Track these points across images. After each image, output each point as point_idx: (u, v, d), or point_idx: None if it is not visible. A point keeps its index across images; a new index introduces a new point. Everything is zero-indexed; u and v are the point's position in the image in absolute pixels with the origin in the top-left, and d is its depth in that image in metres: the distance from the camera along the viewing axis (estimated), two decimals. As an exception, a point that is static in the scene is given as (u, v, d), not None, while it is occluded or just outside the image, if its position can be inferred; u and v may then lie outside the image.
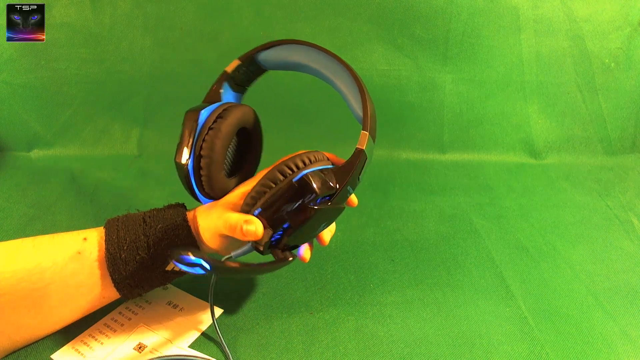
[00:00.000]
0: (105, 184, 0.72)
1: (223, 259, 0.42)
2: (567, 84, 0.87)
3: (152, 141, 0.83)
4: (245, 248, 0.41)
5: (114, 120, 0.83)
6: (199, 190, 0.43)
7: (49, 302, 0.39)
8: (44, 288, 0.38)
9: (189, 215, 0.43)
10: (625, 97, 0.88)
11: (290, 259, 0.40)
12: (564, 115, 0.88)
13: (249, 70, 0.49)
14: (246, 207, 0.40)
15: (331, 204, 0.39)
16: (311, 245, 0.44)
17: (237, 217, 0.39)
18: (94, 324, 0.45)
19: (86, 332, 0.44)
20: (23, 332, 0.41)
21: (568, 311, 0.50)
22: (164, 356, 0.41)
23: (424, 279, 0.54)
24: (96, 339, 0.43)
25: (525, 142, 0.88)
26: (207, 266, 0.33)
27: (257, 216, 0.39)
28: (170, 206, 0.44)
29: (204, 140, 0.42)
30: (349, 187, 0.40)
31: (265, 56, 0.47)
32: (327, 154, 0.43)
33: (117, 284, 0.40)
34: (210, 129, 0.42)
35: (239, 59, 0.48)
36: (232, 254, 0.41)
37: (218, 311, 0.48)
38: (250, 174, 0.48)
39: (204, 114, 0.43)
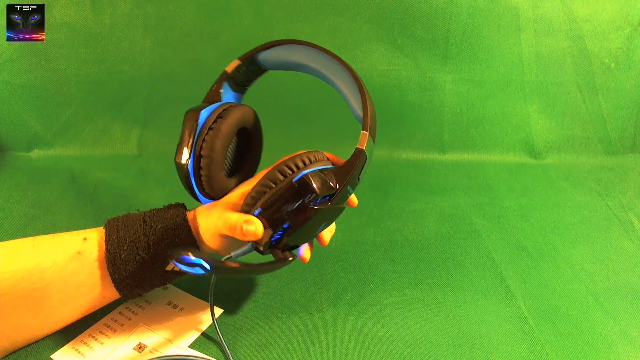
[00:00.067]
0: (105, 184, 0.72)
1: (223, 259, 0.42)
2: (567, 84, 0.86)
3: (152, 141, 0.83)
4: (245, 248, 0.41)
5: (114, 120, 0.83)
6: (199, 190, 0.43)
7: (49, 302, 0.39)
8: (44, 288, 0.38)
9: (189, 215, 0.43)
10: (625, 97, 0.88)
11: (290, 259, 0.40)
12: (564, 115, 0.88)
13: (249, 70, 0.49)
14: (246, 207, 0.40)
15: (331, 204, 0.39)
16: (311, 245, 0.44)
17: (237, 217, 0.39)
18: (94, 324, 0.45)
19: (86, 332, 0.44)
20: (23, 332, 0.41)
21: (568, 311, 0.50)
22: (164, 356, 0.41)
23: (424, 279, 0.54)
24: (96, 339, 0.43)
25: (525, 142, 0.88)
26: (207, 266, 0.33)
27: (257, 216, 0.39)
28: (170, 206, 0.44)
29: (204, 140, 0.42)
30: (349, 187, 0.40)
31: (265, 56, 0.47)
32: (327, 154, 0.43)
33: (117, 283, 0.40)
34: (210, 129, 0.42)
35: (239, 58, 0.48)
36: (232, 254, 0.41)
37: (218, 311, 0.48)
38: (250, 174, 0.48)
39: (204, 114, 0.43)
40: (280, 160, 0.41)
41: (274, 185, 0.39)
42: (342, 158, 0.43)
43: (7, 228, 0.60)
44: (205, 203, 0.44)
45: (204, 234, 0.41)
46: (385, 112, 0.85)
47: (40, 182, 0.72)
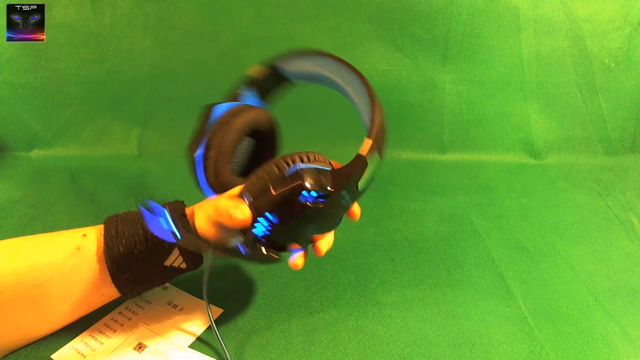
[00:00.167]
0: (105, 184, 0.72)
1: (210, 251, 0.41)
2: (567, 84, 0.86)
3: (152, 141, 0.82)
4: (234, 239, 0.41)
5: (114, 120, 0.83)
6: (204, 182, 0.43)
7: (49, 299, 0.39)
8: (43, 284, 0.38)
9: (188, 210, 0.43)
10: (625, 97, 0.88)
11: (276, 257, 0.39)
12: (564, 115, 0.88)
13: (271, 76, 0.49)
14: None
15: (323, 205, 0.38)
16: (305, 253, 0.43)
17: (226, 202, 0.39)
18: (94, 324, 0.45)
19: (86, 332, 0.44)
20: (23, 331, 0.41)
21: (568, 311, 0.50)
22: None
23: (424, 279, 0.54)
24: (96, 339, 0.43)
25: (525, 142, 0.88)
26: (170, 219, 0.33)
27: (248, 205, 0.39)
28: (169, 202, 0.44)
29: (214, 132, 0.43)
30: (344, 193, 0.39)
31: (287, 63, 0.48)
32: (333, 162, 0.43)
33: (115, 278, 0.40)
34: (222, 123, 0.43)
35: (261, 63, 0.49)
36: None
37: (218, 311, 0.48)
38: None
39: (219, 109, 0.44)
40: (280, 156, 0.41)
41: (268, 178, 0.39)
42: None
43: (7, 228, 0.60)
44: (210, 197, 0.44)
45: (198, 223, 0.41)
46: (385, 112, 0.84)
47: (40, 182, 0.72)
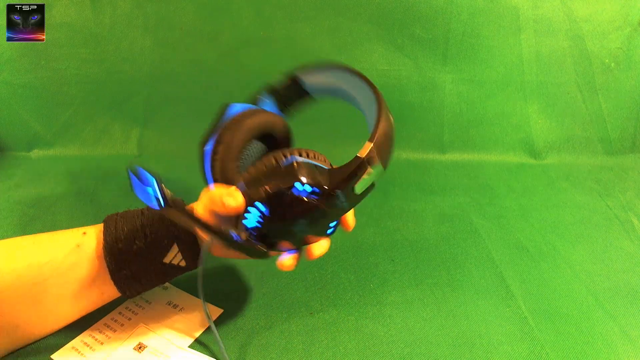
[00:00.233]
0: (105, 184, 0.72)
1: (204, 245, 0.41)
2: (567, 84, 0.86)
3: (152, 141, 0.83)
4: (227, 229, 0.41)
5: (114, 120, 0.83)
6: (210, 177, 0.43)
7: (48, 297, 0.39)
8: (43, 282, 0.38)
9: (188, 207, 0.43)
10: (625, 97, 0.88)
11: (264, 250, 0.39)
12: (564, 115, 0.88)
13: (290, 87, 0.50)
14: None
15: (316, 202, 0.38)
16: (297, 256, 0.42)
17: (220, 190, 0.39)
18: (94, 324, 0.45)
19: (86, 332, 0.44)
20: (22, 330, 0.41)
21: (568, 311, 0.50)
22: None
23: (424, 279, 0.54)
24: (96, 339, 0.43)
25: (525, 142, 0.88)
26: (157, 188, 0.33)
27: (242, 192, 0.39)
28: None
29: (225, 129, 0.43)
30: (339, 193, 0.38)
31: (306, 75, 0.49)
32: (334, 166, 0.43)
33: (114, 274, 0.40)
34: (235, 121, 0.44)
35: (286, 75, 0.49)
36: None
37: (218, 311, 0.48)
38: None
39: (235, 108, 0.44)
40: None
41: (264, 169, 0.39)
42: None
43: (7, 228, 0.60)
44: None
45: (196, 213, 0.41)
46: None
47: (40, 182, 0.72)
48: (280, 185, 0.37)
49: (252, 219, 0.39)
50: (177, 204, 0.41)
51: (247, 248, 0.39)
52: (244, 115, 0.44)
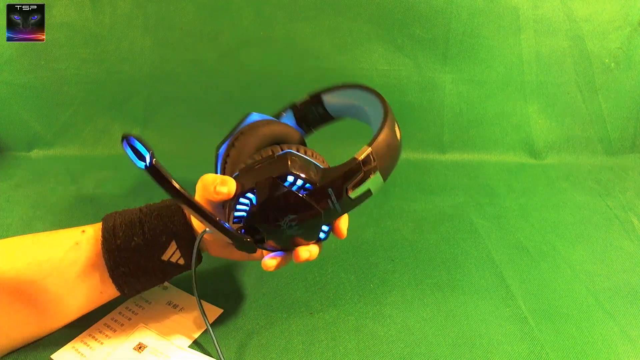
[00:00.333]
0: (105, 184, 0.72)
1: (199, 235, 0.41)
2: (567, 84, 0.86)
3: (152, 141, 0.81)
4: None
5: (114, 120, 0.83)
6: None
7: (47, 296, 0.39)
8: (42, 280, 0.38)
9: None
10: (625, 97, 0.88)
11: (248, 239, 0.39)
12: (564, 115, 0.88)
13: (309, 104, 0.52)
14: None
15: (306, 198, 0.37)
16: (283, 258, 0.42)
17: (213, 177, 0.39)
18: (94, 324, 0.45)
19: (86, 332, 0.44)
20: (21, 330, 0.41)
21: (568, 311, 0.50)
22: None
23: (424, 279, 0.54)
24: (96, 339, 0.43)
25: (525, 142, 0.88)
26: (148, 158, 0.31)
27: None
28: (167, 199, 0.45)
29: (240, 134, 0.45)
30: (330, 192, 0.38)
31: (327, 94, 0.50)
32: None
33: (112, 272, 0.40)
34: (250, 127, 0.45)
35: (308, 94, 0.51)
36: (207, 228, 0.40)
37: (218, 311, 0.48)
38: None
39: (252, 117, 0.46)
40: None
41: (260, 160, 0.40)
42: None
43: (7, 228, 0.60)
44: None
45: None
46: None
47: (40, 182, 0.72)
48: (272, 175, 0.37)
49: (243, 209, 0.39)
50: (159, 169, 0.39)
51: (233, 235, 0.38)
52: (259, 124, 0.45)
